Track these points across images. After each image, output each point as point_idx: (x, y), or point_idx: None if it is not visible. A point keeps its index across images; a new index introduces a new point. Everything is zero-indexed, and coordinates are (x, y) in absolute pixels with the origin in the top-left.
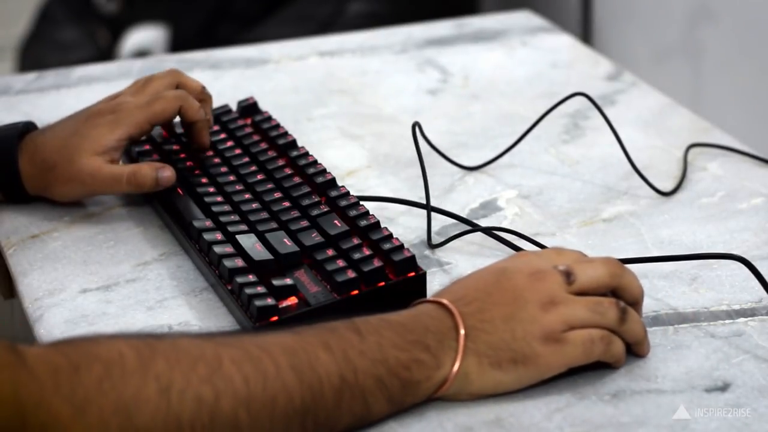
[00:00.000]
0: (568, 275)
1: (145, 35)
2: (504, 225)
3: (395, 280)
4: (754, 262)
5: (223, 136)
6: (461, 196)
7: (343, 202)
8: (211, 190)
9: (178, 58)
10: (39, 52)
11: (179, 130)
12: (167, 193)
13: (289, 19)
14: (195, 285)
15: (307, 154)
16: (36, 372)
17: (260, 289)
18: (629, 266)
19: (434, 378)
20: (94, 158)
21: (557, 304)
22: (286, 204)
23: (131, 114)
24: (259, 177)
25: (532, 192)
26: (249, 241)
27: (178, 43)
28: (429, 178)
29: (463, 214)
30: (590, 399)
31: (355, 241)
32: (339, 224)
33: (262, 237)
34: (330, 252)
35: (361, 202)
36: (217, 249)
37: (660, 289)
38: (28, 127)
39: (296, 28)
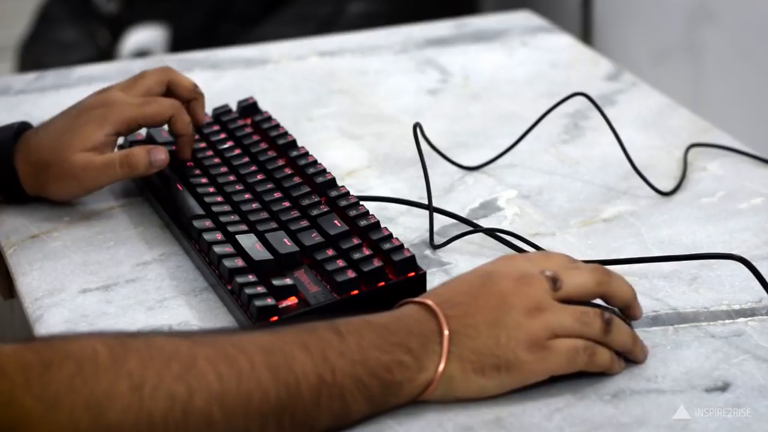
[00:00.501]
0: (554, 281)
1: (145, 35)
2: (504, 225)
3: (395, 280)
4: (754, 262)
5: (223, 136)
6: (461, 196)
7: (343, 202)
8: (211, 190)
9: (178, 58)
10: (39, 52)
11: None
12: (165, 190)
13: (289, 19)
14: (195, 285)
15: (307, 154)
16: (6, 369)
17: (260, 289)
18: (629, 266)
19: (417, 380)
20: (85, 153)
21: (543, 310)
22: (286, 204)
23: (120, 110)
24: (259, 177)
25: (532, 192)
26: (249, 241)
27: (178, 43)
28: (429, 178)
29: (463, 214)
30: (590, 399)
31: (355, 241)
32: (339, 224)
33: (262, 237)
34: (330, 252)
35: (361, 202)
36: (217, 249)
37: (660, 289)
38: (23, 127)
39: (296, 28)
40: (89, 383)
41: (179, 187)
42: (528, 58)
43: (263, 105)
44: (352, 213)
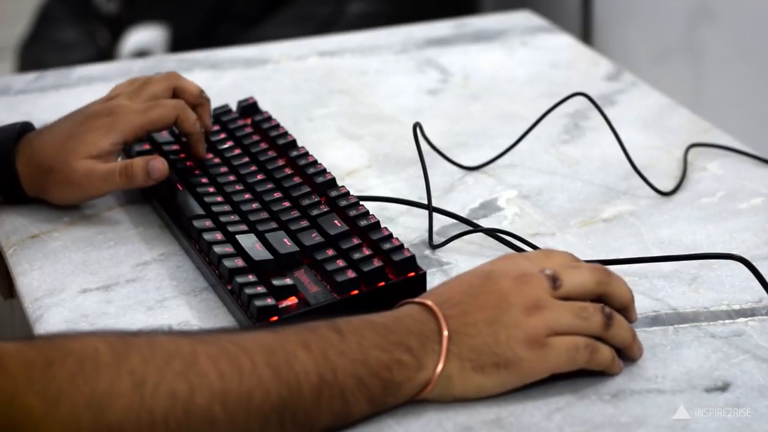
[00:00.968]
0: (554, 280)
1: (145, 35)
2: (504, 225)
3: (395, 280)
4: (754, 262)
5: (223, 136)
6: (461, 196)
7: (343, 202)
8: (211, 190)
9: (178, 58)
10: (39, 52)
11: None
12: (166, 190)
13: (289, 19)
14: (195, 285)
15: (307, 154)
16: (8, 367)
17: (260, 289)
18: (629, 266)
19: (416, 379)
20: (89, 161)
21: (542, 308)
22: (286, 204)
23: (127, 118)
24: (259, 177)
25: (532, 192)
26: (249, 241)
27: (178, 43)
28: (429, 178)
29: (464, 214)
30: (590, 399)
31: (355, 241)
32: (339, 224)
33: (262, 237)
34: (330, 252)
35: (361, 202)
36: (217, 249)
37: (660, 289)
38: (25, 128)
39: (296, 28)
40: (91, 381)
41: (179, 187)
42: (528, 58)
43: (263, 105)
44: (352, 213)
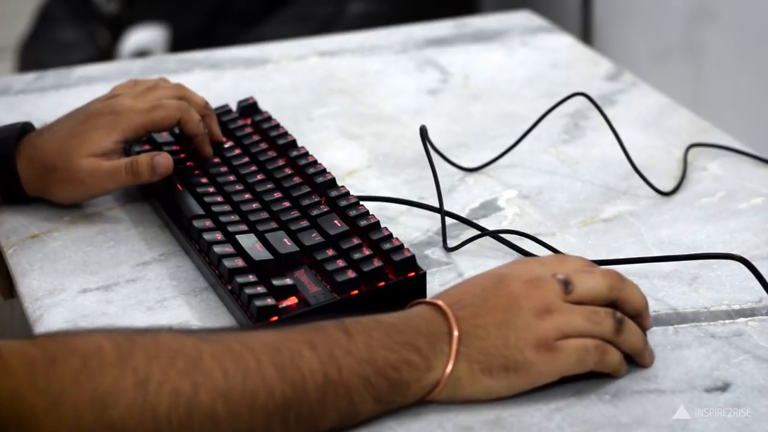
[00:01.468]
0: (566, 284)
1: (145, 35)
2: (504, 225)
3: (395, 280)
4: (754, 262)
5: (223, 137)
6: (462, 196)
7: (343, 202)
8: (211, 190)
9: (178, 58)
10: (39, 52)
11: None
12: (166, 190)
13: (289, 19)
14: (195, 285)
15: (307, 154)
16: (11, 365)
17: (260, 289)
18: (629, 266)
19: (424, 380)
20: (92, 159)
21: (552, 312)
22: (286, 204)
23: (130, 117)
24: (259, 177)
25: (532, 192)
26: (249, 241)
27: (177, 43)
28: (430, 179)
29: (464, 214)
30: (590, 399)
31: (355, 241)
32: (339, 224)
33: (262, 237)
34: (330, 252)
35: (361, 202)
36: (217, 249)
37: (660, 289)
38: (26, 128)
39: (296, 28)
40: (94, 379)
41: (179, 187)
42: (528, 58)
43: (263, 105)
44: (352, 213)
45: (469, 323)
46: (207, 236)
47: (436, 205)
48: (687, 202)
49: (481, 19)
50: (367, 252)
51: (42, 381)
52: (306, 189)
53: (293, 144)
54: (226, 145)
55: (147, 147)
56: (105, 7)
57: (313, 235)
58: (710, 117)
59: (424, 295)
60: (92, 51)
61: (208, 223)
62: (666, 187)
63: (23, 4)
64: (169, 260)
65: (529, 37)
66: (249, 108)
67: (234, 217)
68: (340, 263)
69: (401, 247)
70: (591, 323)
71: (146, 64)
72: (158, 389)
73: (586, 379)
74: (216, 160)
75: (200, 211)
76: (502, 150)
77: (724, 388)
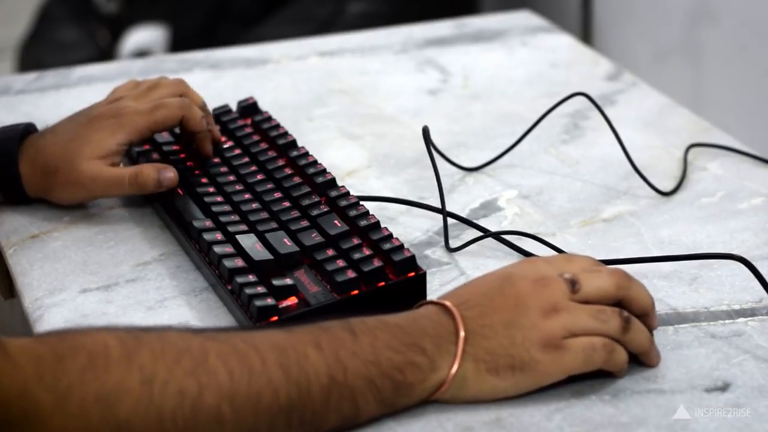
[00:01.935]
0: (573, 283)
1: (145, 35)
2: (504, 225)
3: (395, 280)
4: (754, 262)
5: (223, 137)
6: (462, 196)
7: (343, 202)
8: (211, 190)
9: (178, 58)
10: (39, 52)
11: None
12: (167, 193)
13: (289, 19)
14: (195, 285)
15: (307, 154)
16: (18, 362)
17: (260, 289)
18: (629, 266)
19: (429, 381)
20: (95, 162)
21: (559, 311)
22: (286, 204)
23: (133, 119)
24: (259, 177)
25: (532, 192)
26: (249, 241)
27: (178, 43)
28: (430, 179)
29: (464, 214)
30: (590, 399)
31: (355, 241)
32: (339, 224)
33: (262, 237)
34: (330, 252)
35: (361, 202)
36: (217, 249)
37: (660, 289)
38: (28, 129)
39: (296, 28)
40: (100, 376)
41: (179, 192)
42: (528, 58)
43: (263, 105)
44: (352, 213)
45: (475, 323)
46: (207, 236)
47: (437, 205)
48: (687, 202)
49: (481, 19)
50: (367, 252)
51: (49, 378)
52: (306, 189)
53: (293, 144)
54: (226, 145)
55: (147, 147)
56: (105, 7)
57: (313, 235)
58: (710, 117)
59: (424, 295)
60: (92, 51)
61: (208, 223)
62: (666, 187)
63: (23, 4)
64: (169, 260)
65: (529, 37)
66: (249, 108)
67: (234, 217)
68: (340, 263)
69: (401, 247)
70: (598, 322)
71: (146, 64)
72: (163, 388)
73: (587, 379)
74: (216, 160)
75: (200, 212)
76: (502, 150)
77: (724, 388)
